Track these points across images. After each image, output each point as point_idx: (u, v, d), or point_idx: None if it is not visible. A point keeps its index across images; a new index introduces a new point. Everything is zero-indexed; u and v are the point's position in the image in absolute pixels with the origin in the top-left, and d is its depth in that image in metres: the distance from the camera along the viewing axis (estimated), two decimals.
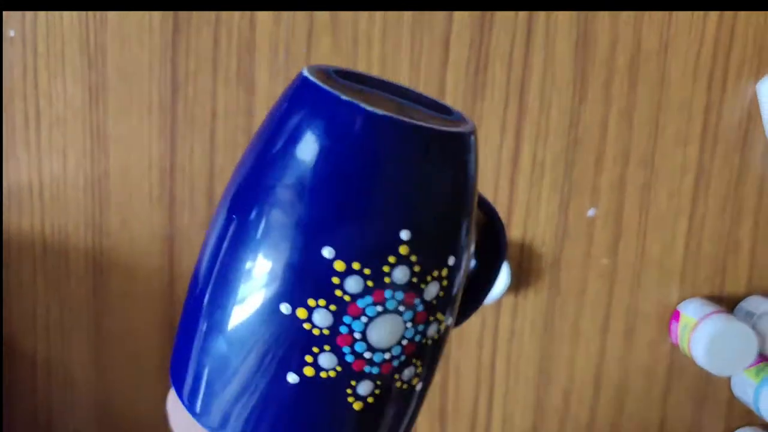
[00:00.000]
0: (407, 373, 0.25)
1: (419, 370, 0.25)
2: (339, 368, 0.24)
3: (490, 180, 0.74)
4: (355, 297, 0.23)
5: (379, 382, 0.24)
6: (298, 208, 0.23)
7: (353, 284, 0.23)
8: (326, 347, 0.24)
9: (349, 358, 0.24)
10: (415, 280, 0.24)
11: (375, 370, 0.24)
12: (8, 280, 0.74)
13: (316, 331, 0.23)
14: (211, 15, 0.69)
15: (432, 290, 0.24)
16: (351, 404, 0.24)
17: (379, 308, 0.24)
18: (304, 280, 0.23)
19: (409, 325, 0.24)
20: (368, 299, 0.23)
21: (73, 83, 0.70)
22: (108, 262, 0.74)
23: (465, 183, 0.25)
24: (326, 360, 0.24)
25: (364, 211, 0.23)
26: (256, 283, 0.24)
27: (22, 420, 0.77)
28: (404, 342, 0.24)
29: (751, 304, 0.78)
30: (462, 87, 0.72)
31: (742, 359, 0.73)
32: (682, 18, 0.73)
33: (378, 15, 0.70)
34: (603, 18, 0.72)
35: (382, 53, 0.71)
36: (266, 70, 0.71)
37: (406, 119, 0.23)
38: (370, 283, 0.23)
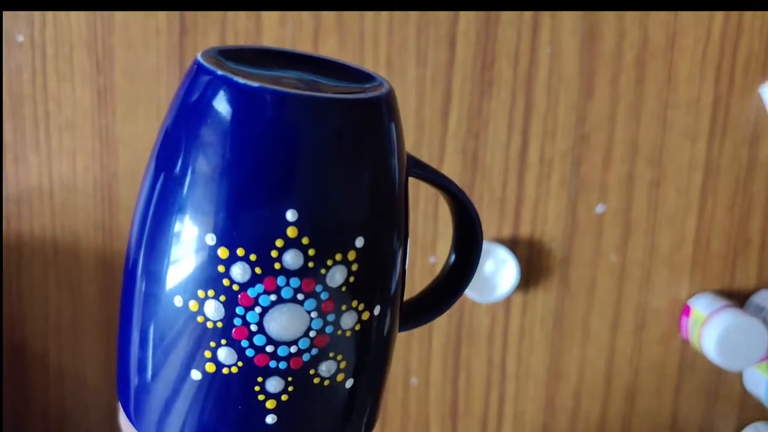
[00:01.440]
0: (325, 367, 0.22)
1: (342, 364, 0.23)
2: (240, 363, 0.21)
3: (498, 177, 0.71)
4: (244, 286, 0.21)
5: (290, 378, 0.22)
6: (178, 195, 0.21)
7: (239, 272, 0.21)
8: (223, 341, 0.21)
9: (250, 353, 0.21)
10: (311, 264, 0.21)
11: (282, 365, 0.22)
12: (20, 282, 0.72)
13: (209, 324, 0.21)
14: (217, 16, 0.67)
15: (337, 276, 0.22)
16: (263, 402, 0.22)
17: (273, 297, 0.21)
18: (189, 269, 0.21)
19: (314, 315, 0.22)
20: (259, 287, 0.21)
21: (82, 86, 0.68)
22: (119, 264, 0.71)
23: (370, 154, 0.22)
24: (225, 355, 0.21)
25: (242, 192, 0.20)
26: (153, 278, 0.22)
27: (35, 421, 0.74)
28: (312, 334, 0.22)
29: (762, 299, 0.74)
30: (469, 85, 0.69)
31: (753, 353, 0.70)
32: (689, 14, 0.69)
33: (384, 14, 0.67)
34: (609, 14, 0.69)
35: (389, 52, 0.68)
36: None
37: (278, 88, 0.20)
38: (258, 270, 0.21)
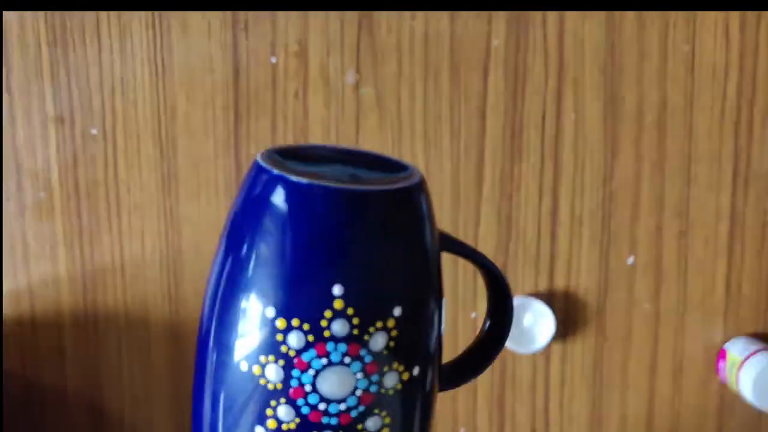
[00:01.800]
0: (371, 423, 0.25)
1: (386, 420, 0.25)
2: (298, 420, 0.24)
3: (532, 235, 0.75)
4: (299, 351, 0.24)
5: None
6: (244, 275, 0.25)
7: (295, 339, 0.24)
8: (282, 400, 0.24)
9: (305, 410, 0.24)
10: (356, 332, 0.24)
11: (333, 421, 0.24)
12: (98, 351, 0.78)
13: (270, 386, 0.24)
14: (267, 103, 0.73)
15: (379, 341, 0.24)
16: None
17: (324, 361, 0.24)
18: (253, 337, 0.24)
19: (359, 375, 0.24)
20: (312, 352, 0.24)
21: (148, 172, 0.74)
22: (184, 331, 0.77)
23: (405, 236, 0.25)
24: (284, 413, 0.24)
25: (296, 272, 0.24)
26: (222, 347, 0.25)
27: None
28: (358, 392, 0.24)
29: None
30: (500, 152, 0.74)
31: None
32: (705, 73, 0.73)
33: (418, 92, 0.73)
34: (629, 78, 0.73)
35: (425, 127, 0.73)
36: None
37: (325, 183, 0.24)
38: (311, 338, 0.24)
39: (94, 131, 0.74)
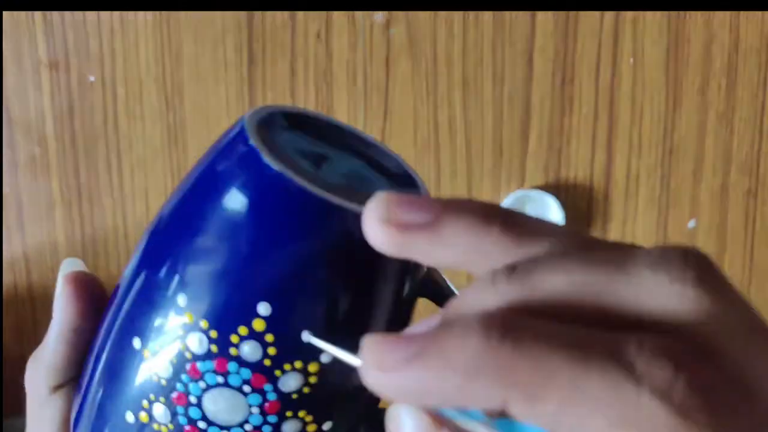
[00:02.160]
0: None
1: None
2: (171, 426, 0.21)
3: (583, 196, 0.66)
4: (196, 357, 0.20)
5: None
6: (172, 246, 0.21)
7: (196, 343, 0.20)
8: (162, 398, 0.21)
9: (182, 420, 0.21)
10: (267, 362, 0.20)
11: None
12: None
13: (155, 378, 0.21)
14: (286, 46, 0.64)
15: (290, 382, 0.21)
16: None
17: (220, 379, 0.20)
18: (155, 320, 0.21)
19: (254, 410, 0.21)
20: (209, 364, 0.20)
21: (152, 124, 0.66)
22: None
23: (371, 278, 0.21)
24: (160, 412, 0.21)
25: (228, 268, 0.20)
26: (126, 316, 0.22)
27: None
28: (247, 427, 0.21)
29: None
30: (548, 102, 0.65)
31: None
32: None
33: (457, 33, 0.64)
34: (695, 17, 0.64)
35: (464, 73, 0.64)
36: (344, 99, 0.65)
37: (302, 182, 0.19)
38: (214, 348, 0.20)
39: (91, 78, 0.65)
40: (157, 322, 0.21)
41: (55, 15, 0.64)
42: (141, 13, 0.64)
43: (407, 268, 0.21)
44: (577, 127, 0.65)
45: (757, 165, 0.66)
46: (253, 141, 0.20)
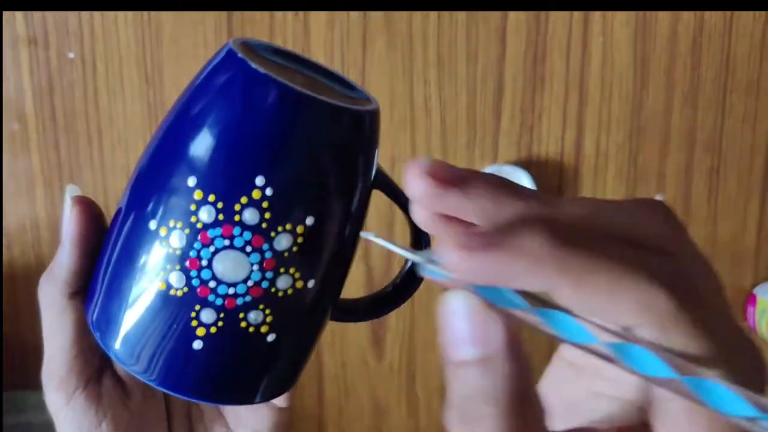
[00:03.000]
0: (253, 316, 0.25)
1: (269, 318, 0.26)
2: (186, 289, 0.25)
3: (554, 171, 0.67)
4: (206, 226, 0.24)
5: (222, 315, 0.25)
6: (178, 142, 0.25)
7: (206, 214, 0.24)
8: (177, 266, 0.25)
9: (195, 282, 0.25)
10: (264, 225, 0.24)
11: (218, 302, 0.25)
12: None
13: (170, 250, 0.25)
14: (264, 22, 0.64)
15: (283, 242, 0.25)
16: (194, 328, 0.25)
17: (226, 242, 0.24)
18: (169, 201, 0.24)
19: (255, 267, 0.25)
20: (217, 230, 0.24)
21: (132, 101, 0.65)
22: None
23: (343, 158, 0.25)
24: (176, 278, 0.25)
25: (228, 152, 0.24)
26: (138, 203, 0.25)
27: None
28: (249, 283, 0.25)
29: None
30: (521, 80, 0.65)
31: None
32: None
33: (432, 13, 0.64)
34: None
35: (438, 51, 0.65)
36: None
37: (283, 80, 0.24)
38: (221, 217, 0.24)
39: (71, 55, 0.65)
40: (171, 202, 0.24)
41: None
42: None
43: (368, 156, 0.26)
44: (548, 104, 0.66)
45: (720, 143, 0.68)
46: (241, 54, 0.24)
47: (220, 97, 0.24)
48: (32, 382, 0.71)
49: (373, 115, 0.26)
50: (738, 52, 0.66)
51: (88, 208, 0.27)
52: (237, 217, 0.24)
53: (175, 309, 0.25)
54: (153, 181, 0.25)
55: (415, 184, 0.20)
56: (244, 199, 0.24)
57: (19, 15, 0.64)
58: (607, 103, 0.66)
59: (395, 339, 0.70)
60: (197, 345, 0.25)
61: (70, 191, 0.28)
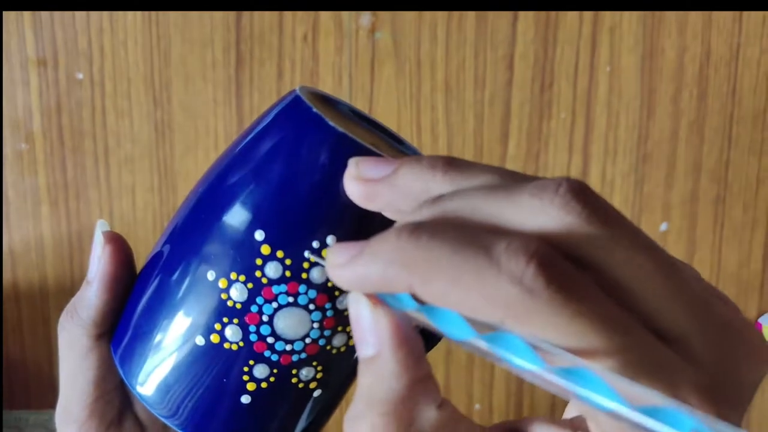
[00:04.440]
0: (305, 372, 0.25)
1: (319, 375, 0.25)
2: (242, 343, 0.24)
3: None
4: (272, 282, 0.23)
5: (275, 371, 0.24)
6: (244, 190, 0.24)
7: (273, 270, 0.23)
8: (235, 320, 0.24)
9: (253, 338, 0.24)
10: (330, 284, 0.24)
11: (274, 357, 0.24)
12: None
13: (230, 303, 0.24)
14: (273, 46, 0.62)
15: (344, 301, 0.24)
16: (245, 382, 0.24)
17: (291, 299, 0.24)
18: (233, 253, 0.24)
19: (315, 325, 0.24)
20: (283, 287, 0.24)
21: (140, 121, 0.64)
22: None
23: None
24: (232, 332, 0.24)
25: (300, 207, 0.23)
26: (193, 249, 0.24)
27: None
28: (308, 340, 0.24)
29: None
30: (528, 106, 0.64)
31: None
32: (753, 23, 0.63)
33: (440, 37, 0.62)
34: (670, 27, 0.63)
35: (446, 76, 0.63)
36: None
37: (357, 139, 0.23)
38: (288, 273, 0.23)
39: (79, 75, 0.63)
40: (234, 254, 0.23)
41: (44, 13, 0.62)
42: (130, 12, 0.62)
43: None
44: (555, 131, 0.64)
45: (726, 172, 0.66)
46: (315, 109, 0.23)
47: (294, 152, 0.23)
48: (33, 402, 0.69)
49: None
50: (744, 83, 0.64)
51: (121, 248, 0.26)
52: (305, 275, 0.23)
53: (228, 362, 0.24)
54: (210, 229, 0.24)
55: (348, 189, 0.20)
56: (313, 258, 0.23)
57: (29, 36, 0.62)
58: (613, 132, 0.65)
59: None
60: (245, 399, 0.24)
61: (101, 227, 0.26)
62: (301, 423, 0.26)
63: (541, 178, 0.17)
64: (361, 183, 0.20)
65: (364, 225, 0.23)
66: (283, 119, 0.24)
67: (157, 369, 0.25)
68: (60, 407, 0.27)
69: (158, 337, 0.25)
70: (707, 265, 0.67)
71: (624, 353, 0.16)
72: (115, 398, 0.27)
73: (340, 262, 0.18)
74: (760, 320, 0.68)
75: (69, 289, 0.67)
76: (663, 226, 0.67)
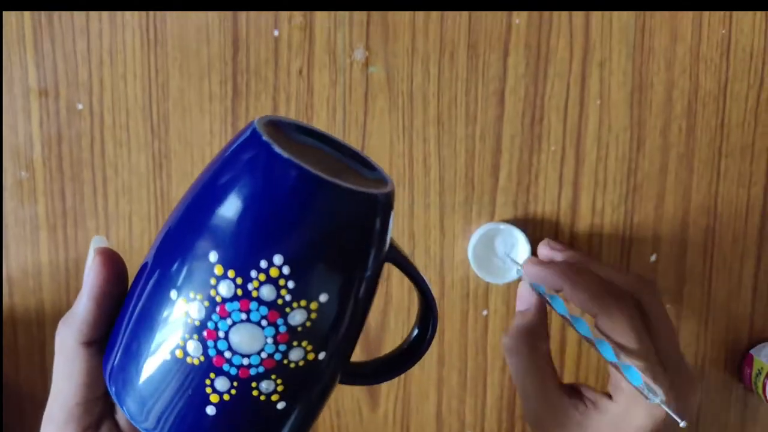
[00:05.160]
0: (264, 385, 0.26)
1: (279, 388, 0.26)
2: (202, 358, 0.25)
3: (551, 229, 0.66)
4: (225, 300, 0.25)
5: (235, 384, 0.25)
6: (202, 217, 0.25)
7: (225, 288, 0.25)
8: (195, 336, 0.25)
9: (212, 352, 0.25)
10: (280, 302, 0.25)
11: (233, 371, 0.25)
12: None
13: (189, 320, 0.25)
14: (269, 79, 0.63)
15: (297, 317, 0.25)
16: (208, 394, 0.25)
17: (243, 316, 0.25)
18: (190, 274, 0.25)
19: (269, 340, 0.25)
20: (236, 305, 0.25)
21: (138, 152, 0.64)
22: None
23: (360, 238, 0.25)
24: (193, 348, 0.25)
25: (250, 231, 0.24)
26: (162, 270, 0.25)
27: None
28: (263, 355, 0.25)
29: None
30: (518, 140, 0.64)
31: None
32: (741, 59, 0.64)
33: (432, 72, 0.63)
34: (659, 62, 0.64)
35: (438, 109, 0.63)
36: None
37: (303, 164, 0.24)
38: (239, 292, 0.25)
39: (80, 106, 0.64)
40: (192, 274, 0.25)
41: (47, 44, 0.63)
42: (129, 45, 0.63)
43: (382, 235, 0.26)
44: (545, 164, 0.65)
45: (715, 204, 0.66)
46: (265, 137, 0.24)
47: (242, 177, 0.25)
48: (28, 428, 0.68)
49: (388, 197, 0.26)
50: (732, 117, 0.65)
51: (110, 262, 0.27)
52: (255, 293, 0.24)
53: (191, 375, 0.25)
54: (176, 249, 0.25)
55: (544, 250, 0.49)
56: (262, 277, 0.24)
57: (31, 67, 0.63)
58: (603, 164, 0.65)
59: (390, 389, 0.68)
60: (210, 411, 0.26)
61: (96, 242, 0.28)
62: None
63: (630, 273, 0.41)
64: (549, 269, 0.45)
65: (309, 248, 0.24)
66: (238, 149, 0.25)
67: (137, 384, 0.26)
68: (46, 409, 0.28)
69: (138, 355, 0.26)
70: (698, 294, 0.67)
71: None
72: (95, 407, 0.28)
73: (535, 263, 0.47)
74: (750, 352, 0.68)
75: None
76: (652, 258, 0.67)
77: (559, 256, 0.53)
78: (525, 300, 0.48)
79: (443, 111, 0.64)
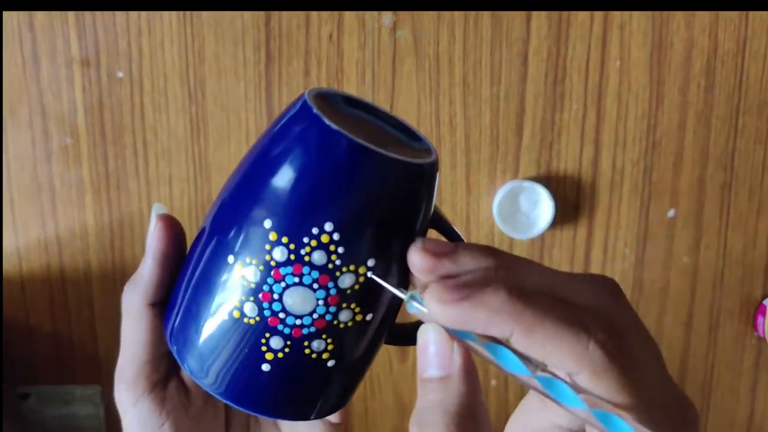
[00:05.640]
0: (316, 344, 0.27)
1: (330, 347, 0.27)
2: (258, 318, 0.26)
3: (573, 186, 0.68)
4: (279, 264, 0.26)
5: (288, 342, 0.27)
6: (258, 188, 0.26)
7: (279, 253, 0.26)
8: (251, 298, 0.26)
9: (267, 313, 0.26)
10: (330, 266, 0.26)
11: (287, 331, 0.26)
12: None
13: (246, 283, 0.26)
14: (300, 44, 0.65)
15: (346, 281, 0.26)
16: (264, 352, 0.27)
17: (296, 279, 0.26)
18: (247, 240, 0.26)
19: (320, 302, 0.26)
20: (289, 269, 0.26)
21: (176, 116, 0.67)
22: None
23: (406, 205, 0.27)
24: (250, 309, 0.26)
25: (302, 199, 0.26)
26: (219, 237, 0.27)
27: None
28: (315, 315, 0.26)
29: None
30: (542, 99, 0.66)
31: None
32: (759, 18, 0.65)
33: (458, 35, 0.65)
34: (678, 22, 0.65)
35: (464, 71, 0.65)
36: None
37: (352, 136, 0.25)
38: (292, 257, 0.26)
39: (120, 74, 0.66)
40: (248, 240, 0.26)
41: (87, 16, 0.65)
42: (166, 14, 0.65)
43: (427, 203, 0.28)
44: (567, 123, 0.66)
45: (732, 160, 0.68)
46: (315, 110, 0.26)
47: (294, 149, 0.26)
48: (79, 377, 0.72)
49: (432, 167, 0.27)
50: (751, 75, 0.66)
51: (170, 227, 0.28)
52: (307, 258, 0.26)
53: (248, 335, 0.27)
54: (233, 218, 0.27)
55: (415, 259, 0.25)
56: (314, 243, 0.26)
57: (73, 38, 0.66)
58: (623, 122, 0.67)
59: None
60: (265, 367, 0.27)
61: (156, 209, 0.29)
62: (323, 393, 0.28)
63: (579, 274, 0.25)
64: (428, 253, 0.25)
65: (357, 215, 0.26)
66: (289, 121, 0.27)
67: (197, 343, 0.28)
68: (117, 367, 0.30)
69: (198, 315, 0.28)
70: (713, 249, 0.69)
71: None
72: (162, 363, 0.30)
73: (446, 300, 0.23)
74: (764, 302, 0.70)
75: (110, 273, 0.71)
76: (670, 213, 0.69)
77: (447, 266, 0.25)
78: (443, 359, 0.25)
79: (468, 72, 0.65)
